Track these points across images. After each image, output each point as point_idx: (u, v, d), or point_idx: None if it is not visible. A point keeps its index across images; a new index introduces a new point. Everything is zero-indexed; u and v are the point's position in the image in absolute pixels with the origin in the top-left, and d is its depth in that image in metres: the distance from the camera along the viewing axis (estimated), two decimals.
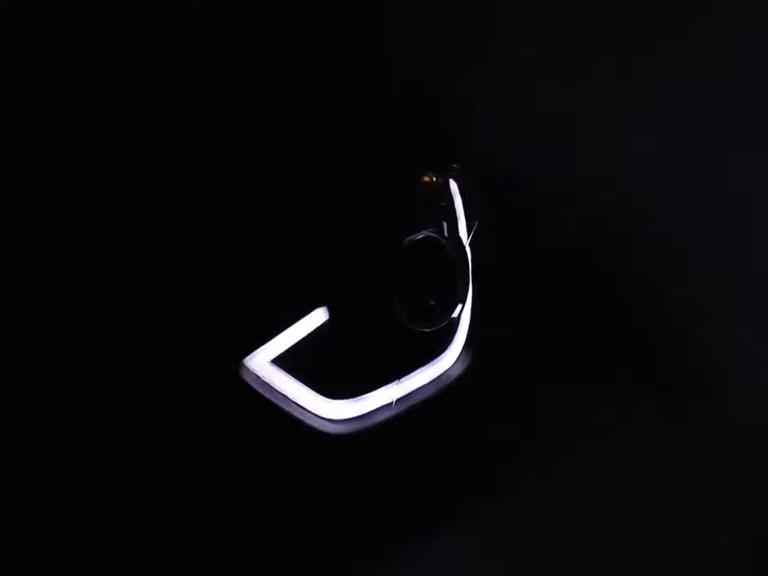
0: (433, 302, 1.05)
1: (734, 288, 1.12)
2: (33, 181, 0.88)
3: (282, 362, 0.91)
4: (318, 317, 0.94)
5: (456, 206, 1.19)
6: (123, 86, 0.90)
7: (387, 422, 0.95)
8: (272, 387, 0.90)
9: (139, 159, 0.90)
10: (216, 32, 0.97)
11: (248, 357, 0.90)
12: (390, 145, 1.10)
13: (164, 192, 0.92)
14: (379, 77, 1.09)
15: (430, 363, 1.02)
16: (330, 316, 0.95)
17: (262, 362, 0.90)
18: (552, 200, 1.25)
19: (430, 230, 1.08)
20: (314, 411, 0.91)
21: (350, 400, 0.93)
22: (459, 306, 1.08)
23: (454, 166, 1.20)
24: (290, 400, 0.90)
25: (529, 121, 1.22)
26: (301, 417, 0.90)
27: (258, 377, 0.90)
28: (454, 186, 1.20)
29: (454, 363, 1.05)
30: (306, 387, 0.91)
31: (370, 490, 0.91)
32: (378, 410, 0.94)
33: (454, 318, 1.08)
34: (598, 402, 1.10)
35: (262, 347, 0.91)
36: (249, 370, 0.90)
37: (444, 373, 1.03)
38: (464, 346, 1.07)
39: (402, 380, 0.95)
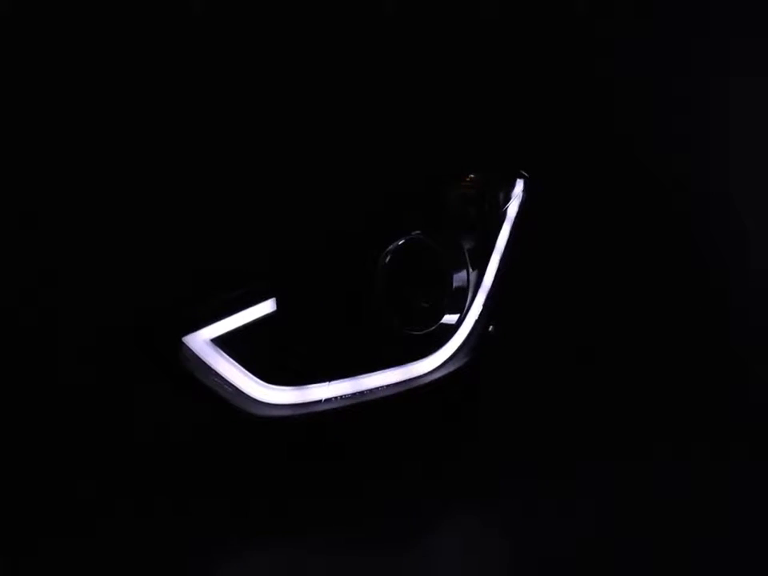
0: (425, 305, 1.06)
1: None
2: None
3: (223, 343, 0.97)
4: (267, 306, 0.99)
5: (507, 209, 1.17)
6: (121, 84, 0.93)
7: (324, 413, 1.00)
8: (207, 365, 0.96)
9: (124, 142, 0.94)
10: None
11: (188, 335, 0.96)
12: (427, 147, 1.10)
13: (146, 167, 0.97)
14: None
15: (401, 366, 1.05)
16: (277, 307, 0.98)
17: (200, 340, 0.96)
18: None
19: (417, 232, 1.08)
20: (245, 392, 0.97)
21: (287, 388, 0.99)
22: (454, 315, 1.09)
23: (522, 171, 1.19)
24: (223, 378, 0.97)
25: None
26: (228, 396, 0.97)
27: (195, 354, 0.96)
28: (519, 188, 1.18)
29: (434, 369, 1.07)
30: (240, 368, 0.97)
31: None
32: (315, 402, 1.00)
33: (450, 324, 1.09)
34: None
35: (204, 327, 0.96)
36: (187, 347, 0.96)
37: (419, 377, 1.06)
38: (454, 353, 1.09)
39: (332, 382, 0.99)
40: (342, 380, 1.01)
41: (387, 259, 1.04)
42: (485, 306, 1.15)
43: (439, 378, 1.08)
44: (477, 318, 1.14)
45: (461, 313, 1.11)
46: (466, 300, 1.10)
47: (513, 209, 1.26)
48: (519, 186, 1.28)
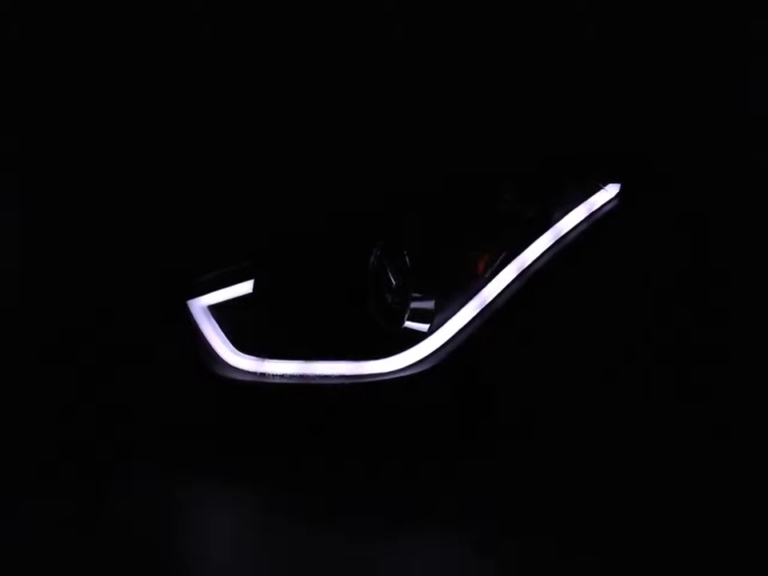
0: (396, 305, 1.13)
1: None
2: None
3: (217, 310, 1.18)
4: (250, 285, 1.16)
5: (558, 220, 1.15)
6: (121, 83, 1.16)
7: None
8: (196, 325, 1.19)
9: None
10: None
11: (192, 299, 1.19)
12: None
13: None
14: None
15: (355, 361, 1.12)
16: (254, 287, 1.15)
17: (197, 305, 1.19)
18: None
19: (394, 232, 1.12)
20: (220, 354, 1.17)
21: (248, 356, 1.16)
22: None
23: (600, 185, 1.17)
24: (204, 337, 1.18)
25: None
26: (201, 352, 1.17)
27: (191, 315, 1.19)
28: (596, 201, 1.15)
29: (395, 371, 1.12)
30: (220, 333, 1.17)
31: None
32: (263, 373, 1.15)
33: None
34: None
35: (206, 294, 1.19)
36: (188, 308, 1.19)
37: (370, 374, 1.12)
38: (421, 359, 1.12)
39: (265, 360, 1.12)
40: (291, 360, 1.13)
41: (370, 257, 1.11)
42: (475, 317, 1.11)
43: (396, 380, 1.10)
44: (460, 328, 1.11)
45: (429, 321, 1.10)
46: (432, 308, 1.09)
47: (569, 221, 1.15)
48: (598, 198, 1.16)
